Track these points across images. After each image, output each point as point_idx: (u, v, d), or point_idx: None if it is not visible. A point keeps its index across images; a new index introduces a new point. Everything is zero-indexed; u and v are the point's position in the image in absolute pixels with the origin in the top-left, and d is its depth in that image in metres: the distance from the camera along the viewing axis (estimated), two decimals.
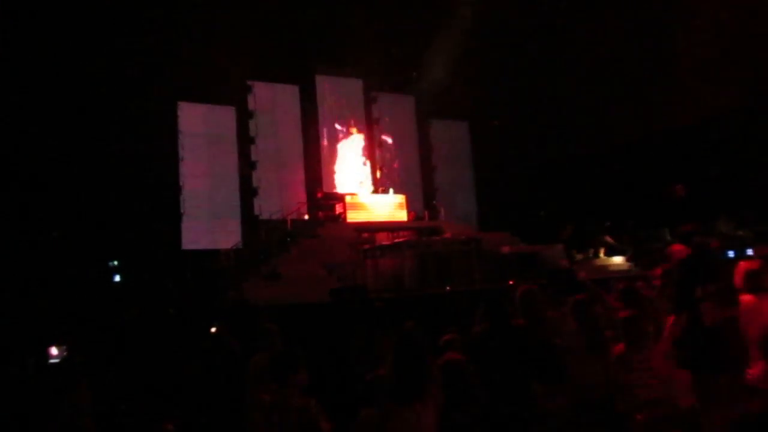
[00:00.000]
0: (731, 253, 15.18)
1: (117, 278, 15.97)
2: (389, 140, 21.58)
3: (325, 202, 18.35)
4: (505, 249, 15.74)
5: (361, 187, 18.86)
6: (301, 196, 19.07)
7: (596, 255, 16.56)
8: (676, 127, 17.96)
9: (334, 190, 19.28)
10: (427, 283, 13.64)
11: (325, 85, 20.78)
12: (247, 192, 18.50)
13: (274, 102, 19.65)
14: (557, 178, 20.49)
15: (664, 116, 17.94)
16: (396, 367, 3.75)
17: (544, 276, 13.16)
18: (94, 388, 3.53)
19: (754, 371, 3.92)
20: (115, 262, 16.23)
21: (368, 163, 20.65)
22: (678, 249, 5.14)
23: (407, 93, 22.10)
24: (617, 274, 13.51)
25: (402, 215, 17.97)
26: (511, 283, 9.40)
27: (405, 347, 3.82)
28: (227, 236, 17.43)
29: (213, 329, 5.55)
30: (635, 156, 18.72)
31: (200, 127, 18.39)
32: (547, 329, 4.83)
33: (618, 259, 16.34)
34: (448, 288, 12.68)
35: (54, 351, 7.16)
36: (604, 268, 15.36)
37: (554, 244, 16.74)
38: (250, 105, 19.09)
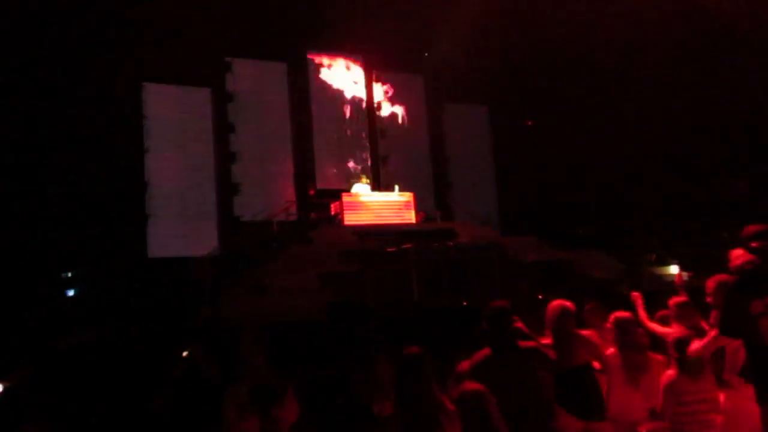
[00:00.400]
0: None
1: (71, 293, 15.94)
2: (395, 127, 21.57)
3: (318, 200, 18.31)
4: (532, 256, 15.66)
5: (361, 183, 18.81)
6: (290, 193, 19.04)
7: (649, 263, 16.52)
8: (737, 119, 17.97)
9: (329, 187, 19.21)
10: (439, 297, 13.58)
11: (317, 63, 20.77)
12: (226, 189, 18.51)
13: (258, 83, 19.65)
14: (594, 172, 20.44)
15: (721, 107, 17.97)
16: (399, 400, 3.70)
17: (579, 288, 13.25)
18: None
19: None
20: (69, 274, 16.20)
21: (370, 154, 20.63)
22: (738, 255, 5.08)
23: (415, 72, 22.06)
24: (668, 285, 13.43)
25: (409, 216, 17.90)
26: (540, 297, 9.33)
27: (408, 376, 3.77)
28: (202, 241, 17.37)
29: (185, 354, 5.50)
30: (688, 149, 18.70)
31: (170, 112, 18.38)
32: (580, 352, 4.80)
33: (672, 268, 16.28)
34: (464, 303, 12.61)
35: None
36: (657, 278, 15.28)
37: (591, 249, 16.71)
38: (229, 86, 19.09)
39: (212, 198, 18.38)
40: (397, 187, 18.46)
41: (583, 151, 20.51)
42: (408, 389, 3.72)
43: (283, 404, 3.81)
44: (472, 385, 4.30)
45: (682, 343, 4.61)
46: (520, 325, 4.89)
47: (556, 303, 4.95)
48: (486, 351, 4.45)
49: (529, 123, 20.84)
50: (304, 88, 20.40)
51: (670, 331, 5.06)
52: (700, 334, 4.86)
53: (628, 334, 5.00)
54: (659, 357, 4.95)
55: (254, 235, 16.73)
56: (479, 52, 20.08)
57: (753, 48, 16.57)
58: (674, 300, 5.54)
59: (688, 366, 4.53)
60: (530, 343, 4.69)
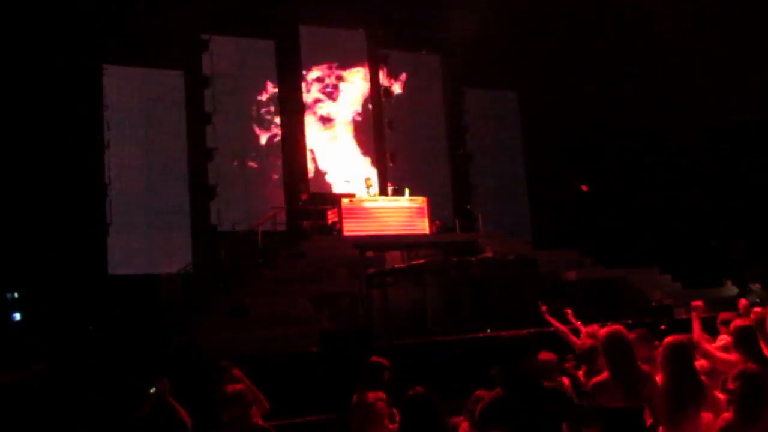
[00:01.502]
0: None
1: (17, 316, 16.05)
2: (406, 117, 21.66)
3: (312, 206, 18.38)
4: (572, 274, 15.70)
5: (365, 185, 18.90)
6: (278, 198, 19.13)
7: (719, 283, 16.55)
8: None
9: (325, 191, 19.31)
10: (459, 323, 13.63)
11: (312, 40, 20.87)
12: (201, 192, 18.63)
13: (241, 63, 19.79)
14: (648, 174, 20.46)
15: None
16: None
17: (631, 312, 13.27)
18: None
19: None
20: (15, 294, 16.30)
21: (375, 150, 20.72)
22: None
23: (431, 51, 22.15)
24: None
25: (422, 225, 17.96)
26: (578, 324, 9.35)
27: (412, 422, 3.86)
28: (172, 255, 17.51)
29: (151, 390, 5.59)
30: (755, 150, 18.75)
31: (134, 99, 18.55)
32: (640, 390, 4.88)
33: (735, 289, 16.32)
34: (488, 331, 12.67)
35: None
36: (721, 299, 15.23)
37: (645, 267, 16.75)
38: (206, 68, 19.23)
39: (184, 202, 18.48)
40: (407, 191, 18.52)
41: (635, 151, 20.53)
42: None
43: None
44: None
45: (747, 378, 4.53)
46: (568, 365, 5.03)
47: (611, 330, 5.09)
48: (497, 391, 4.50)
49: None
50: (296, 70, 20.46)
51: (734, 360, 5.09)
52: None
53: (683, 361, 5.03)
54: (720, 394, 4.96)
55: (234, 248, 16.79)
56: (508, 27, 20.14)
57: None
58: (736, 323, 5.56)
59: (750, 408, 4.48)
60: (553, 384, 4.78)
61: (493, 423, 4.27)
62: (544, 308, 7.82)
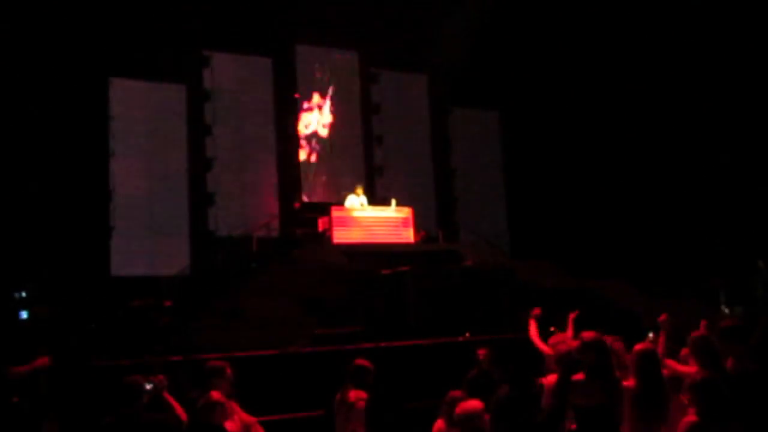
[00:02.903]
0: None
1: (24, 315, 15.98)
2: (394, 132, 21.73)
3: (304, 215, 18.41)
4: (547, 283, 15.76)
5: (355, 195, 18.95)
6: (273, 206, 19.16)
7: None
8: None
9: (317, 200, 19.35)
10: (439, 327, 13.65)
11: (307, 58, 20.95)
12: (200, 200, 18.63)
13: (240, 80, 19.84)
14: (621, 190, 20.56)
15: None
16: None
17: (604, 321, 13.31)
18: None
19: None
20: (22, 293, 16.24)
21: (364, 163, 20.77)
22: None
23: (418, 71, 22.26)
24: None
25: (407, 235, 18.02)
26: (552, 329, 9.45)
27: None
28: (171, 258, 17.52)
29: (148, 386, 5.61)
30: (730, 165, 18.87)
31: (139, 111, 18.52)
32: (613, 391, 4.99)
33: None
34: (467, 334, 12.73)
35: None
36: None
37: (615, 279, 16.82)
38: (207, 83, 19.25)
39: (184, 209, 18.47)
40: (394, 202, 18.56)
41: (610, 167, 20.64)
42: None
43: None
44: (471, 403, 4.57)
45: (701, 387, 4.70)
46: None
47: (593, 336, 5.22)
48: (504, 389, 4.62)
49: None
50: (292, 86, 20.52)
51: (690, 372, 5.20)
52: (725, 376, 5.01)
53: (651, 367, 5.19)
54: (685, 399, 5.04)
55: (230, 253, 16.80)
56: (491, 49, 20.28)
57: None
58: (694, 334, 5.67)
59: (709, 412, 4.62)
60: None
61: (504, 419, 4.39)
62: (537, 311, 7.87)
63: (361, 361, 6.51)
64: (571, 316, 7.79)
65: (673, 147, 19.61)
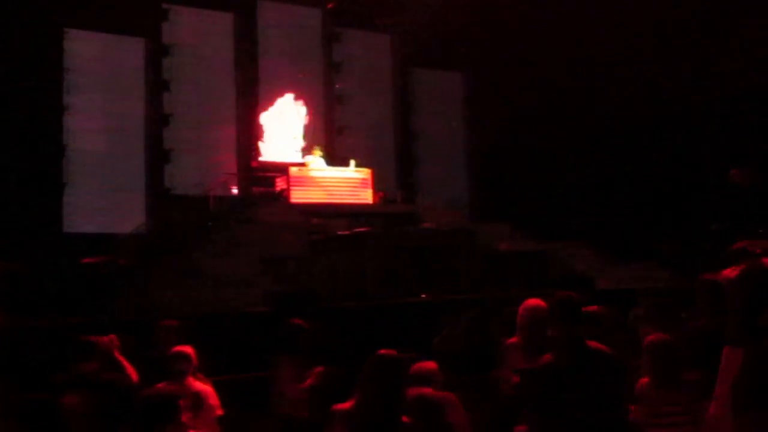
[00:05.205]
0: None
1: None
2: (355, 92, 21.62)
3: (262, 174, 18.29)
4: (504, 246, 15.87)
5: (314, 155, 18.86)
6: (231, 165, 18.99)
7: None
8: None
9: (276, 159, 19.20)
10: (397, 288, 13.70)
11: (269, 15, 20.66)
12: (157, 156, 18.41)
13: (200, 35, 19.52)
14: (582, 154, 20.67)
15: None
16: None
17: (554, 284, 13.45)
18: None
19: None
20: None
21: (324, 122, 20.66)
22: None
23: (382, 31, 22.08)
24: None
25: (366, 196, 18.01)
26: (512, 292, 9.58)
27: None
28: (127, 216, 17.31)
29: (100, 345, 5.55)
30: (684, 128, 19.05)
31: (95, 64, 18.16)
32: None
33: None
34: (423, 296, 12.77)
35: None
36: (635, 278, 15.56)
37: (573, 241, 16.97)
38: (166, 37, 18.92)
39: (140, 166, 18.27)
40: (353, 162, 18.52)
41: (572, 130, 20.72)
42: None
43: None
44: (425, 389, 4.49)
45: (657, 348, 4.80)
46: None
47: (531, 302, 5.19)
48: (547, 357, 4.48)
49: None
50: (252, 43, 20.26)
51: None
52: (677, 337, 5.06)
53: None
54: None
55: (187, 211, 16.67)
56: (455, 10, 20.11)
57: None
58: (649, 300, 5.75)
59: (662, 373, 4.73)
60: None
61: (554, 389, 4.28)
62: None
63: (295, 321, 6.17)
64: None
65: (635, 110, 19.73)
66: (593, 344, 4.47)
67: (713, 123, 18.54)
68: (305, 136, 19.73)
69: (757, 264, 4.67)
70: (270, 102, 19.88)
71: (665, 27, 18.88)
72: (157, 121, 18.58)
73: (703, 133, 18.60)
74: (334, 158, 19.66)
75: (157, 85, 18.73)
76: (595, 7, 19.21)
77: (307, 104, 20.29)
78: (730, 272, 5.17)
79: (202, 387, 5.82)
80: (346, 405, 4.05)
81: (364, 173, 18.14)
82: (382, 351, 4.20)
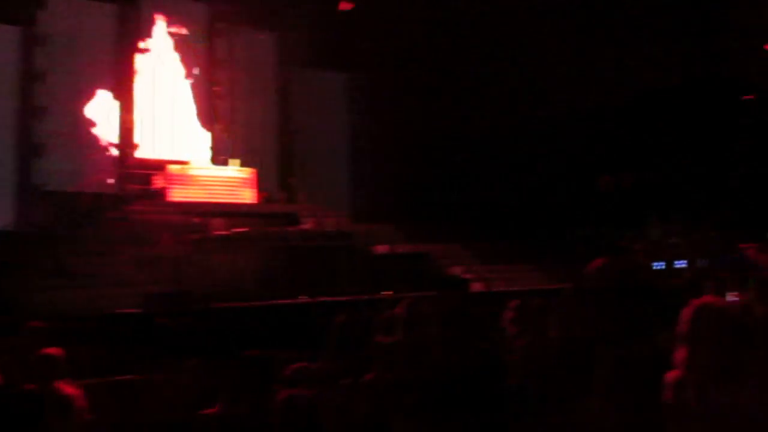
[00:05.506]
0: (659, 265, 16.56)
1: None
2: (239, 91, 21.49)
3: (138, 171, 17.97)
4: (381, 248, 16.12)
5: (196, 153, 18.67)
6: (108, 161, 18.56)
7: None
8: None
9: (155, 156, 18.89)
10: (275, 289, 13.74)
11: (152, 6, 20.28)
12: (28, 151, 17.76)
13: (78, 25, 18.95)
14: (464, 157, 21.12)
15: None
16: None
17: (430, 286, 13.75)
18: None
19: None
20: None
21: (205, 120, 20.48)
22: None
23: (268, 29, 22.02)
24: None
25: (248, 196, 17.97)
26: (389, 293, 9.73)
27: None
28: None
29: None
30: (561, 135, 19.78)
31: None
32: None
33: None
34: (300, 297, 12.87)
35: None
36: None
37: (449, 243, 17.38)
38: (42, 27, 18.28)
39: (10, 160, 17.58)
40: (235, 162, 18.43)
41: (453, 132, 21.16)
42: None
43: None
44: (300, 391, 4.58)
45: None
46: None
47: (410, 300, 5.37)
48: None
49: None
50: (134, 35, 19.84)
51: None
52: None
53: None
54: None
55: (59, 208, 16.22)
56: (341, 12, 20.28)
57: None
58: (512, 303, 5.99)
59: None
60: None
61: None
62: None
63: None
64: None
65: (519, 114, 20.35)
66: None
67: (594, 128, 19.33)
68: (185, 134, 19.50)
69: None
70: (149, 95, 19.57)
71: (547, 29, 19.50)
72: (29, 113, 17.91)
73: (586, 137, 19.35)
74: (216, 157, 19.52)
75: (30, 77, 18.04)
76: (476, 10, 19.73)
77: (188, 101, 20.06)
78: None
79: (71, 390, 5.73)
80: (213, 410, 4.09)
81: (246, 173, 18.10)
82: (248, 352, 4.26)
